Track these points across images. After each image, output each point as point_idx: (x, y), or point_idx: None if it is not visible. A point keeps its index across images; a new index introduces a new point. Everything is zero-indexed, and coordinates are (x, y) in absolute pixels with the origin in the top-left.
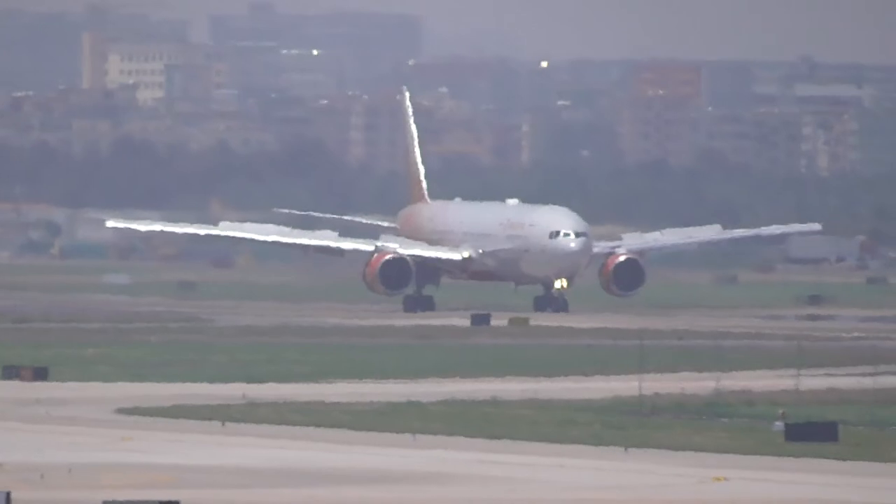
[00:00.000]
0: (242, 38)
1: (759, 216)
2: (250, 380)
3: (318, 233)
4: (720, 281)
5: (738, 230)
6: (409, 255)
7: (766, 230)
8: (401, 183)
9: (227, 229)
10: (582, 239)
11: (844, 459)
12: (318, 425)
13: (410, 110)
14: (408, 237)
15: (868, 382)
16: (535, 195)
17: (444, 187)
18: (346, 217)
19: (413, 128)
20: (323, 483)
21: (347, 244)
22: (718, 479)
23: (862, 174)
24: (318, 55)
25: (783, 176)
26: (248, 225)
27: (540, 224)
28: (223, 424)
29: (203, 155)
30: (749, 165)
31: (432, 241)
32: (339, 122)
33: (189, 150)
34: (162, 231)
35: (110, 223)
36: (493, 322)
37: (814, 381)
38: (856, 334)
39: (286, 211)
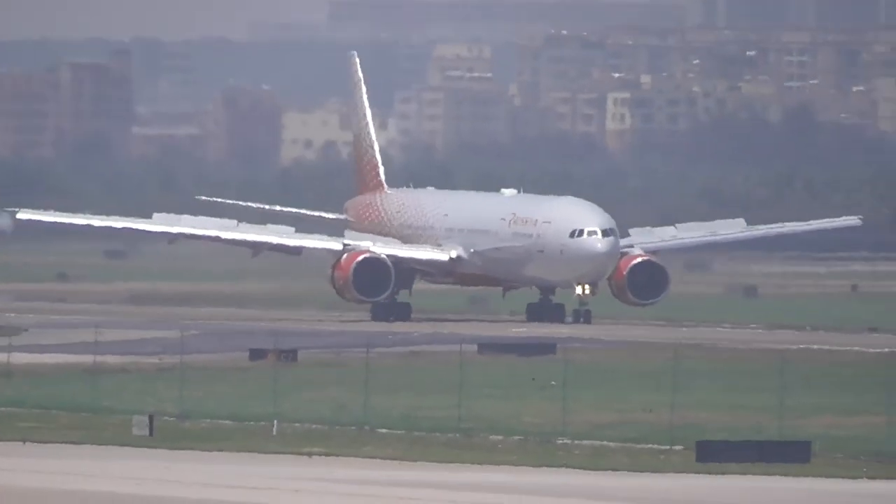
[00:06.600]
0: None
1: None
2: None
3: (271, 227)
4: None
5: (763, 226)
6: (387, 256)
7: (793, 226)
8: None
9: (161, 223)
10: (610, 238)
11: None
12: None
13: (362, 81)
14: (363, 232)
15: None
16: None
17: None
18: (280, 208)
19: (366, 102)
20: None
21: (309, 242)
22: None
23: None
24: None
25: None
26: (186, 218)
27: (558, 220)
28: None
29: None
30: None
31: (403, 238)
32: None
33: None
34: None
35: None
36: None
37: None
38: None
39: (211, 199)
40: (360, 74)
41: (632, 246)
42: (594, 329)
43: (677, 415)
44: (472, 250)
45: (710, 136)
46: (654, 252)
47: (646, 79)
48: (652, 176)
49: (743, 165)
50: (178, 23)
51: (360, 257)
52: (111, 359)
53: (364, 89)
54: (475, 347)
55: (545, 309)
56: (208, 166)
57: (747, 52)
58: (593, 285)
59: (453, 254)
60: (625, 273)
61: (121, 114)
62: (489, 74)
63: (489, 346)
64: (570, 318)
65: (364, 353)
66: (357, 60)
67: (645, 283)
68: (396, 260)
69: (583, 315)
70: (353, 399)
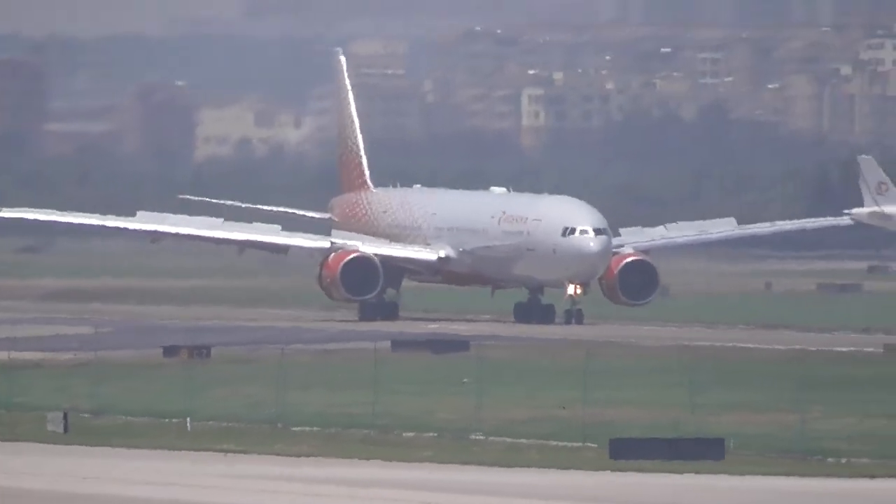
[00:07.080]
0: None
1: None
2: None
3: (257, 226)
4: None
5: (755, 225)
6: (375, 255)
7: (783, 224)
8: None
9: (145, 221)
10: (602, 237)
11: None
12: None
13: (348, 80)
14: (349, 231)
15: None
16: None
17: None
18: (262, 207)
19: (351, 100)
20: None
21: (297, 240)
22: None
23: None
24: None
25: None
26: (171, 216)
27: (549, 218)
28: None
29: None
30: None
31: (390, 237)
32: None
33: None
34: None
35: None
36: None
37: None
38: None
39: (191, 198)
40: (346, 73)
41: (622, 245)
42: (506, 328)
43: (591, 412)
44: (461, 249)
45: (623, 133)
46: (645, 251)
47: (559, 75)
48: (566, 173)
49: (657, 163)
50: (93, 18)
51: (349, 256)
52: (26, 355)
53: (349, 88)
54: (388, 345)
55: (534, 309)
56: (123, 163)
57: (661, 49)
58: (585, 285)
59: (442, 253)
60: (616, 273)
61: (35, 110)
62: (402, 71)
63: (402, 344)
64: (560, 319)
65: (279, 349)
66: (343, 59)
67: (636, 282)
68: (385, 259)
69: (574, 315)
70: (268, 396)
